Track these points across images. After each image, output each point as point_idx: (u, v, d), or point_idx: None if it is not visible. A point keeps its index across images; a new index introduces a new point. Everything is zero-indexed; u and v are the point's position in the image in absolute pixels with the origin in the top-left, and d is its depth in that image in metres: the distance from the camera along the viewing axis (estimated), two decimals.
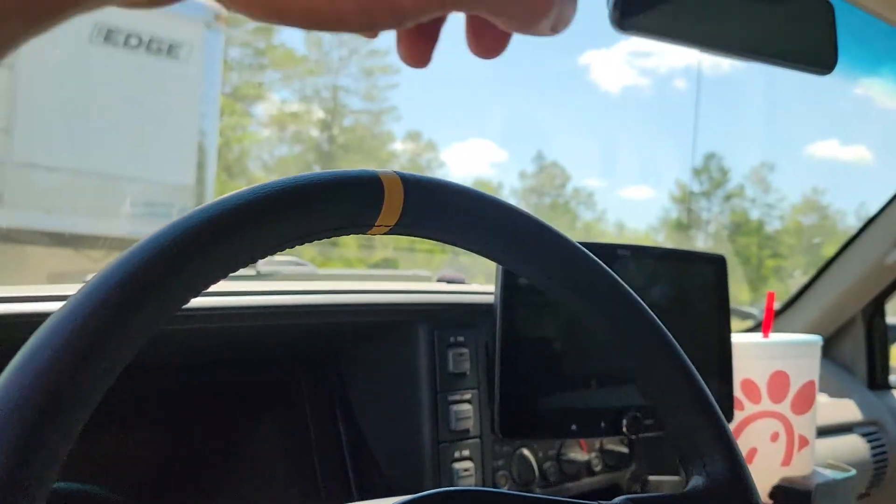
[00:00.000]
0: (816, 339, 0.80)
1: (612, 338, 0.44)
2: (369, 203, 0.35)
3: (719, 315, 0.78)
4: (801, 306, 1.45)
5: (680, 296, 0.77)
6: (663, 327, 0.44)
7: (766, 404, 0.78)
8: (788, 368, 0.77)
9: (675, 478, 0.83)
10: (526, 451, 0.74)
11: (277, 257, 1.03)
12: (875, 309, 1.43)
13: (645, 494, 0.43)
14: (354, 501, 0.70)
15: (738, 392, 0.80)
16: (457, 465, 0.68)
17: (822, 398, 1.34)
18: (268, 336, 0.69)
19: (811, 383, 0.78)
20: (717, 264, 0.78)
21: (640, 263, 0.74)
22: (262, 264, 0.99)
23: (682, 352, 0.45)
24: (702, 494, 0.44)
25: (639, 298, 0.44)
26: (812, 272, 1.47)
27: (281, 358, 0.72)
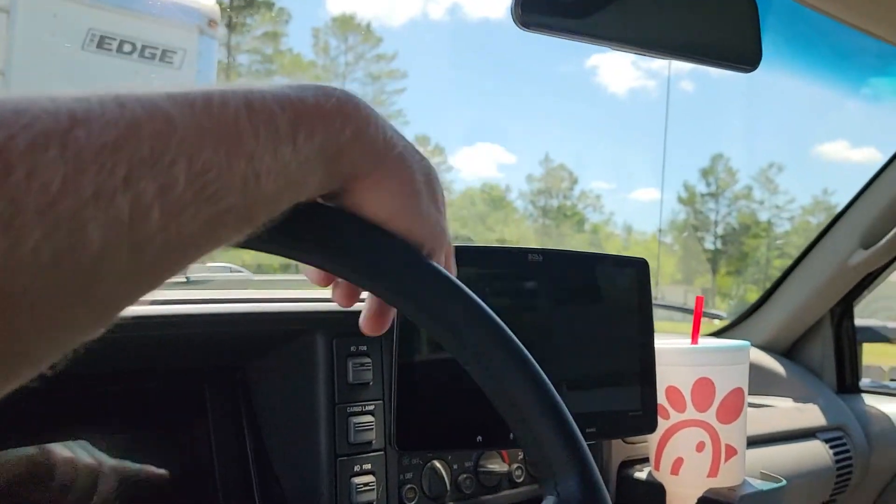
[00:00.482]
0: (744, 345, 0.77)
1: (453, 348, 0.41)
2: None
3: (641, 320, 0.75)
4: (768, 310, 1.42)
5: (599, 301, 0.74)
6: (511, 335, 0.42)
7: (691, 413, 0.76)
8: (713, 375, 0.75)
9: None
10: (438, 464, 0.72)
11: (210, 263, 1.01)
12: (843, 311, 1.39)
13: None
14: None
15: (663, 400, 0.77)
16: (356, 480, 0.66)
17: (787, 403, 1.31)
18: (169, 346, 0.67)
19: (738, 391, 0.76)
20: (638, 267, 0.76)
21: (554, 268, 0.72)
22: (194, 271, 0.97)
23: (533, 362, 0.42)
24: None
25: (484, 304, 0.41)
26: None
27: (184, 368, 0.70)
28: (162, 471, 0.66)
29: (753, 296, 1.52)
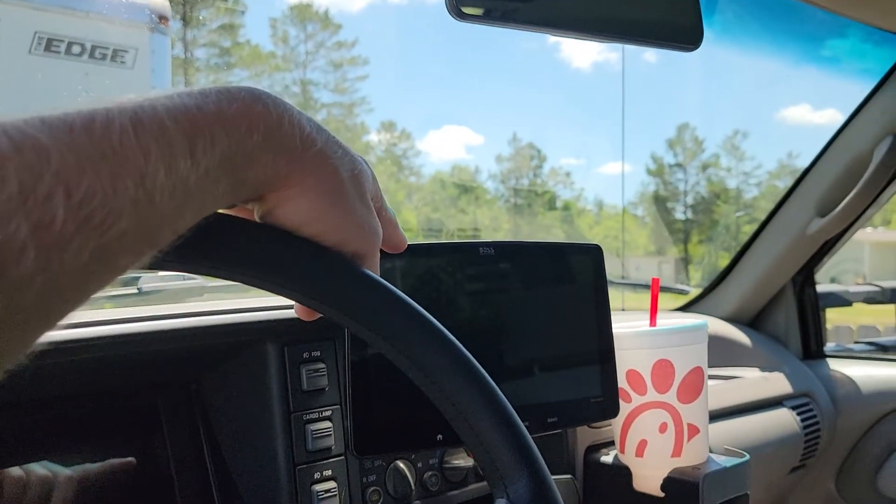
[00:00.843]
0: (701, 325, 0.77)
1: (389, 355, 0.40)
2: None
3: (598, 305, 0.75)
4: (732, 282, 1.44)
5: (554, 290, 0.74)
6: (451, 337, 0.41)
7: (652, 395, 0.76)
8: (672, 357, 0.75)
9: (568, 476, 0.80)
10: (401, 464, 0.71)
11: (161, 273, 0.99)
12: (805, 279, 1.41)
13: None
14: None
15: (624, 384, 0.77)
16: (317, 487, 0.65)
17: (753, 373, 1.33)
18: (120, 365, 0.65)
19: (698, 370, 0.76)
20: (592, 254, 0.76)
21: (506, 260, 0.71)
22: (146, 282, 0.95)
23: (475, 364, 0.41)
24: None
25: (419, 307, 0.40)
26: None
27: (136, 385, 0.69)
28: (120, 482, 0.65)
29: (725, 262, 1.53)
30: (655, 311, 0.80)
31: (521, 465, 0.42)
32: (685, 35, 0.76)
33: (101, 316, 0.64)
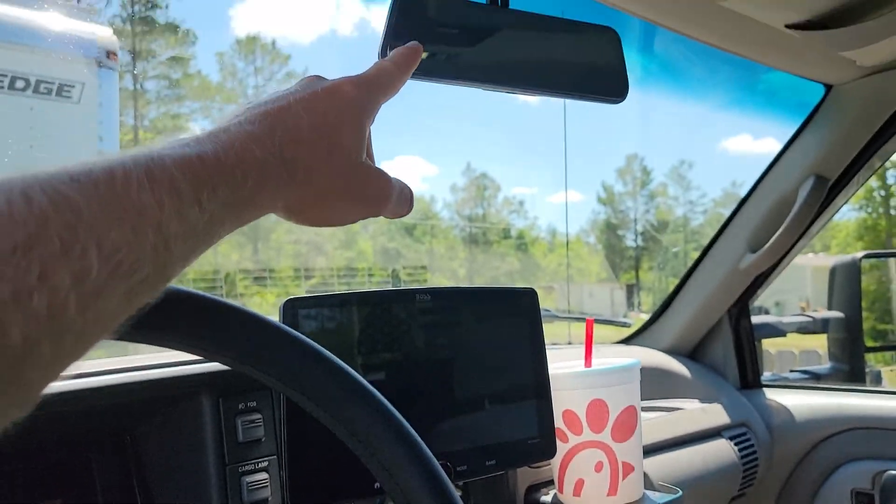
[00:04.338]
0: (633, 364, 0.80)
1: (312, 406, 0.41)
2: None
3: (533, 347, 0.77)
4: (670, 315, 1.48)
5: (490, 335, 0.75)
6: (368, 386, 0.42)
7: (588, 434, 0.78)
8: (606, 396, 0.77)
9: None
10: None
11: None
12: (740, 311, 1.46)
13: None
14: None
15: (560, 423, 0.79)
16: None
17: (693, 403, 1.36)
18: (50, 422, 0.64)
19: (631, 409, 0.78)
20: (527, 297, 0.78)
21: (443, 307, 0.72)
22: None
23: (392, 411, 0.43)
24: None
25: (336, 359, 0.41)
26: None
27: (67, 440, 0.67)
28: None
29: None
30: (590, 353, 0.83)
31: None
32: (612, 89, 0.79)
33: None
